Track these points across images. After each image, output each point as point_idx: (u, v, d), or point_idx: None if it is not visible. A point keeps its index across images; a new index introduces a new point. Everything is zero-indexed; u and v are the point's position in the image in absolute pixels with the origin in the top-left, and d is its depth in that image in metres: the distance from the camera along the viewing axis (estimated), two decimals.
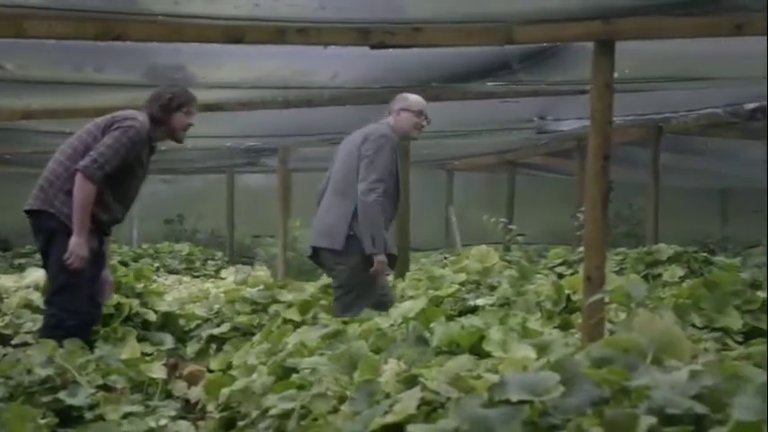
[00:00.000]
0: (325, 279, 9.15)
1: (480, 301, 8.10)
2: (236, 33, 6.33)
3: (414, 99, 8.08)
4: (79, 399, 5.49)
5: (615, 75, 6.09)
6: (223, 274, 14.07)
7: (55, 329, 6.91)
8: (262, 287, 9.18)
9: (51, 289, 7.25)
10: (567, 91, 9.86)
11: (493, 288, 8.72)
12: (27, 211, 7.23)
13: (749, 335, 7.08)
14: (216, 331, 8.38)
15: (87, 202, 6.96)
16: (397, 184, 7.92)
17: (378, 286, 7.72)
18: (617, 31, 5.98)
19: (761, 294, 7.60)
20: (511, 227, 14.78)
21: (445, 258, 14.34)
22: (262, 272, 11.19)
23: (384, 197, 7.67)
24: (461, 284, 8.71)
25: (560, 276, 10.47)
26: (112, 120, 7.21)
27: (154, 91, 7.43)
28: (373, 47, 6.35)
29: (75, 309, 7.07)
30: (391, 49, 6.70)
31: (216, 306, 8.94)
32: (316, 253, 7.97)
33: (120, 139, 7.07)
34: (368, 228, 7.62)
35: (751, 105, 10.98)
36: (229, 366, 6.63)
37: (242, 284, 9.61)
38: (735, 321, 7.27)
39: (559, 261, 12.44)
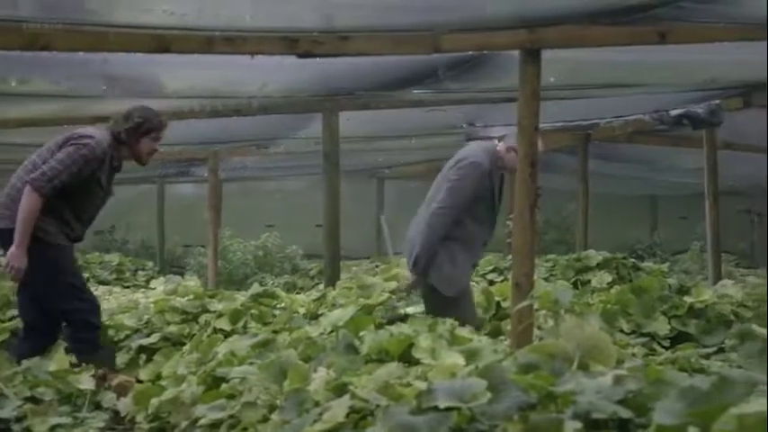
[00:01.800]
0: (256, 288, 9.12)
1: (410, 309, 8.11)
2: (163, 43, 6.30)
3: None
4: (6, 411, 5.43)
5: (552, 80, 6.13)
6: (153, 284, 13.96)
7: (86, 331, 7.07)
8: (192, 297, 9.12)
9: (55, 305, 7.22)
10: (495, 99, 9.92)
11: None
12: None
13: (676, 340, 7.17)
14: (145, 341, 8.30)
15: (32, 213, 6.92)
16: (492, 211, 7.60)
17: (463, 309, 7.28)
18: (542, 40, 6.02)
19: (687, 300, 7.69)
20: None
21: (376, 267, 14.34)
22: (192, 281, 11.10)
23: (463, 224, 7.40)
24: (392, 293, 8.72)
25: (491, 283, 10.54)
26: (69, 136, 7.17)
27: (124, 111, 7.34)
28: (301, 56, 6.35)
29: (89, 302, 7.21)
30: (319, 58, 6.70)
31: (146, 316, 8.86)
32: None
33: (71, 155, 7.01)
34: (421, 247, 7.39)
35: (676, 111, 11.10)
36: (159, 377, 6.60)
37: (172, 294, 9.54)
38: (662, 326, 7.37)
39: (491, 268, 12.53)
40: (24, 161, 7.33)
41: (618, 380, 3.14)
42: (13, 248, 6.94)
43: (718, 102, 10.77)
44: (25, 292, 7.31)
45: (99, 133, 7.20)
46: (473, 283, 9.16)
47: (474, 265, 7.82)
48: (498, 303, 7.80)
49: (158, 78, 8.97)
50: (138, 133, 7.25)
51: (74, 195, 7.12)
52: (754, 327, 6.76)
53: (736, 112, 11.08)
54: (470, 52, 7.61)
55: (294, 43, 6.34)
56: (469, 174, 7.39)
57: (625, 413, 2.90)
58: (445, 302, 7.23)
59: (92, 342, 6.91)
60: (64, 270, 7.20)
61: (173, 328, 8.51)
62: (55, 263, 7.10)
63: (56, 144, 7.18)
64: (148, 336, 8.44)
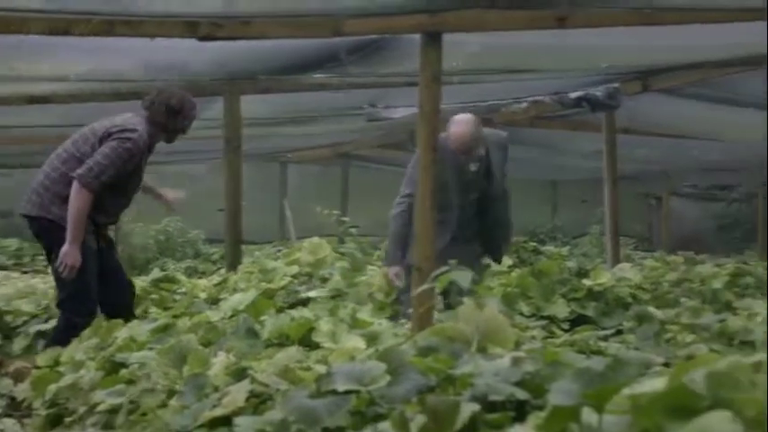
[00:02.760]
0: (156, 273, 9.06)
1: (312, 293, 8.11)
2: (62, 26, 6.22)
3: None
4: None
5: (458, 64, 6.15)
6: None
7: (66, 331, 6.87)
8: None
9: (61, 294, 7.24)
10: (398, 83, 9.94)
11: (325, 280, 8.74)
12: (23, 215, 7.28)
13: (575, 322, 7.25)
14: (44, 327, 8.21)
15: (83, 210, 6.95)
16: (458, 196, 7.70)
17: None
18: (443, 24, 6.03)
19: (586, 283, 7.78)
20: (344, 219, 14.83)
21: (279, 251, 14.31)
22: None
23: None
24: (294, 277, 8.71)
25: None
26: (111, 129, 7.14)
27: (156, 93, 7.35)
28: (201, 39, 6.31)
29: (88, 311, 7.06)
30: (220, 42, 6.66)
31: (44, 302, 8.76)
32: None
33: (116, 149, 7.02)
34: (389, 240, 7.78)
35: (575, 94, 11.19)
36: (57, 362, 6.52)
37: None
38: (561, 309, 7.45)
39: None
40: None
41: (515, 362, 3.17)
42: (66, 246, 6.94)
43: (616, 85, 10.89)
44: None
45: (139, 123, 7.20)
46: (375, 269, 9.20)
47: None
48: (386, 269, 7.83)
49: (58, 61, 8.86)
50: (173, 113, 7.27)
51: (115, 185, 7.15)
52: (651, 309, 6.89)
53: (634, 96, 11.22)
54: (372, 36, 7.61)
55: (195, 27, 6.30)
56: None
57: (522, 395, 2.93)
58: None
59: (64, 341, 6.79)
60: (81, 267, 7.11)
61: None
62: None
63: (94, 135, 7.17)
64: (46, 321, 8.35)
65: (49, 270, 7.70)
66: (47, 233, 7.19)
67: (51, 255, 7.19)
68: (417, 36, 6.17)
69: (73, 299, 7.12)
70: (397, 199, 7.81)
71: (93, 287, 7.16)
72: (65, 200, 7.00)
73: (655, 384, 2.29)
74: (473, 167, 7.68)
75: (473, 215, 7.79)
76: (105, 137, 7.11)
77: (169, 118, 7.26)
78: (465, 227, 7.72)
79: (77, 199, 6.92)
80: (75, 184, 6.94)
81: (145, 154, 7.28)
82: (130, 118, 7.27)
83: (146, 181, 7.63)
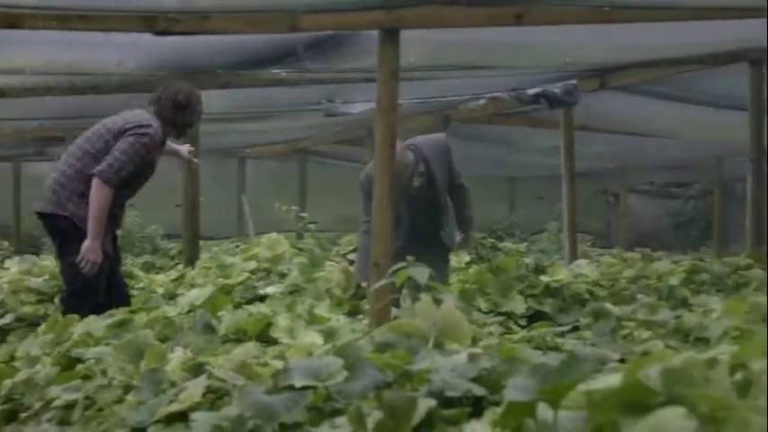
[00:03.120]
0: None
1: (270, 289, 8.10)
2: (15, 19, 6.19)
3: None
4: None
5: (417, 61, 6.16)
6: (8, 264, 13.72)
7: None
8: (47, 277, 8.98)
9: (69, 289, 7.26)
10: (356, 78, 9.94)
11: (283, 276, 8.74)
12: (39, 213, 7.30)
13: (532, 318, 7.27)
14: (0, 322, 8.17)
15: (104, 206, 6.98)
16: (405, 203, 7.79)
17: None
18: (401, 20, 6.04)
19: (543, 279, 7.81)
20: (303, 215, 14.82)
21: (237, 246, 14.28)
22: (48, 261, 10.91)
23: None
24: (252, 272, 8.70)
25: (352, 263, 10.56)
26: (125, 125, 7.15)
27: (163, 89, 7.37)
28: (158, 33, 6.29)
29: (91, 309, 6.84)
30: (178, 36, 6.64)
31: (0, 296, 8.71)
32: None
33: (134, 145, 7.05)
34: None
35: (534, 90, 11.24)
36: (13, 357, 6.47)
37: (26, 274, 9.37)
38: (519, 305, 7.46)
39: (352, 248, 12.53)
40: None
41: (472, 358, 3.18)
42: (88, 242, 6.95)
43: (574, 82, 10.94)
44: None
45: (150, 118, 7.21)
46: (334, 265, 9.21)
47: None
48: (358, 283, 7.83)
49: (10, 54, 8.80)
50: (181, 108, 7.27)
51: (129, 181, 7.18)
52: (608, 305, 6.92)
53: (591, 94, 11.27)
54: (329, 32, 7.62)
55: (152, 21, 6.28)
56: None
57: (479, 390, 2.94)
58: None
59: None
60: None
61: (27, 309, 8.39)
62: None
63: (108, 131, 7.18)
64: (2, 316, 8.30)
65: (56, 264, 7.82)
66: (62, 230, 7.18)
67: (63, 249, 7.20)
68: (375, 32, 6.18)
69: (79, 295, 7.09)
70: (361, 225, 7.85)
71: (101, 287, 7.17)
72: (81, 196, 7.05)
73: (610, 380, 2.31)
74: (416, 183, 7.87)
75: (426, 220, 7.87)
76: (120, 133, 7.13)
77: (177, 113, 7.28)
78: (417, 235, 7.77)
79: (98, 195, 6.97)
80: (95, 181, 6.97)
81: (160, 149, 7.34)
82: (141, 114, 7.29)
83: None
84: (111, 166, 7.00)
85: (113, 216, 7.26)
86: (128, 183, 7.17)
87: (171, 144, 7.84)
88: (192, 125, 7.59)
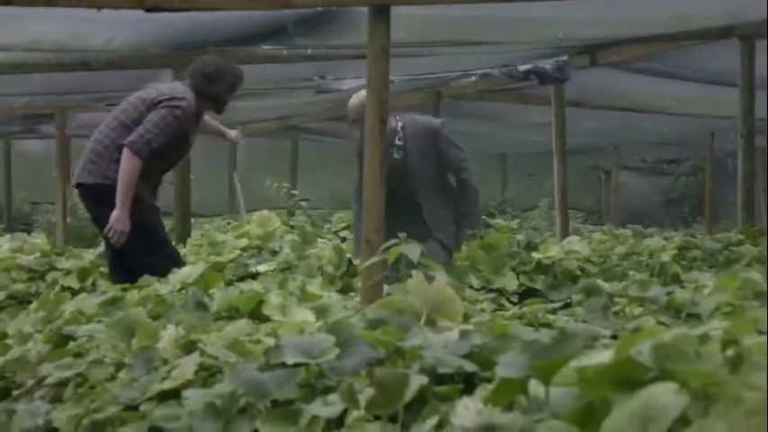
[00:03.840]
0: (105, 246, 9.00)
1: (262, 267, 8.10)
2: None
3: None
4: None
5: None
6: None
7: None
8: (39, 254, 8.98)
9: (137, 259, 7.18)
10: (346, 55, 9.92)
11: (275, 253, 8.74)
12: (79, 185, 7.37)
13: (524, 295, 7.29)
14: None
15: (133, 176, 7.04)
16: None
17: None
18: None
19: (535, 256, 7.81)
20: (294, 192, 14.83)
21: (229, 224, 14.27)
22: (39, 239, 10.92)
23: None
24: (243, 250, 8.71)
25: (343, 240, 10.57)
26: (159, 97, 7.21)
27: (203, 63, 7.44)
28: (149, 10, 6.25)
29: (163, 258, 7.09)
30: (168, 13, 6.61)
31: None
32: None
33: (166, 117, 7.12)
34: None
35: (524, 66, 11.23)
36: (4, 335, 6.47)
37: (18, 252, 9.37)
38: (510, 282, 7.48)
39: (343, 225, 12.56)
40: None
41: (464, 335, 3.18)
42: (116, 212, 7.03)
43: (565, 58, 10.93)
44: (114, 252, 7.37)
45: (185, 91, 7.27)
46: (325, 242, 9.20)
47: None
48: (350, 260, 7.83)
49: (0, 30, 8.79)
50: (212, 85, 7.34)
51: (163, 153, 7.23)
52: (600, 282, 6.93)
53: (583, 70, 11.27)
54: (320, 8, 7.59)
55: None
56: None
57: (470, 367, 2.94)
58: None
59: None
60: (149, 224, 7.31)
61: (19, 286, 8.40)
62: (139, 218, 7.19)
63: (142, 102, 7.25)
64: None
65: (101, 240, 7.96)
66: (103, 198, 7.19)
67: (105, 218, 7.20)
68: (365, 8, 6.16)
69: (152, 253, 7.18)
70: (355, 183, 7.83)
71: (162, 235, 7.50)
72: (119, 163, 7.10)
73: (601, 357, 2.31)
74: (396, 155, 7.76)
75: (399, 201, 7.72)
76: (154, 104, 7.19)
77: (206, 85, 7.33)
78: (402, 212, 7.66)
79: (128, 165, 7.03)
80: (125, 151, 7.05)
81: (193, 123, 7.37)
82: (176, 86, 7.39)
83: (210, 124, 7.92)
84: (141, 137, 7.06)
85: (152, 187, 7.37)
86: (161, 155, 7.21)
87: (218, 125, 7.88)
88: (227, 99, 7.55)
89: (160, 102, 7.18)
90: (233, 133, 8.24)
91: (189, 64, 8.67)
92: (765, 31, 9.07)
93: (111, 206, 7.12)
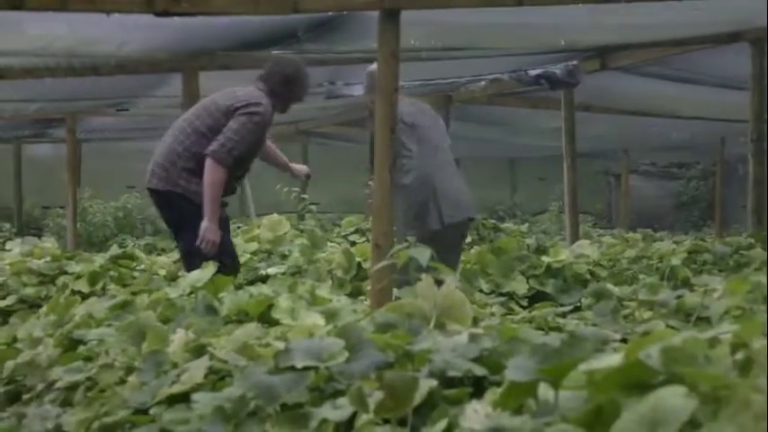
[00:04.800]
0: (115, 250, 9.03)
1: (271, 270, 8.11)
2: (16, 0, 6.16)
3: None
4: None
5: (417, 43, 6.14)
6: (9, 246, 13.75)
7: None
8: (49, 259, 8.99)
9: (187, 266, 7.14)
10: (356, 60, 9.93)
11: (284, 257, 8.74)
12: (151, 190, 7.27)
13: (533, 299, 7.29)
14: (1, 304, 8.17)
15: (219, 186, 6.98)
16: None
17: None
18: (401, 1, 6.02)
19: (545, 259, 7.81)
20: (304, 196, 14.82)
21: (238, 228, 14.28)
22: (49, 243, 10.93)
23: None
24: (253, 254, 8.72)
25: (353, 244, 10.57)
26: (236, 104, 7.11)
27: (273, 63, 7.40)
28: (158, 14, 6.27)
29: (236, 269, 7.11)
30: (178, 18, 6.62)
31: (1, 278, 8.71)
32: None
33: (246, 125, 7.04)
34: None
35: (534, 71, 11.23)
36: (15, 339, 6.49)
37: (29, 256, 9.39)
38: (520, 286, 7.48)
39: (352, 229, 12.55)
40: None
41: (473, 338, 3.18)
42: (205, 223, 6.95)
43: (575, 62, 10.93)
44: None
45: (260, 96, 7.19)
46: (335, 246, 9.20)
47: None
48: (359, 264, 7.83)
49: (11, 35, 8.80)
50: (292, 84, 7.31)
51: (241, 160, 7.19)
52: (609, 286, 6.93)
53: (593, 74, 11.26)
54: (330, 13, 7.60)
55: (151, 2, 6.24)
56: None
57: (480, 370, 2.94)
58: None
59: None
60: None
61: (29, 291, 8.39)
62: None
63: (218, 110, 7.14)
64: (4, 298, 8.31)
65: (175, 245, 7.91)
66: (175, 207, 7.19)
67: (180, 226, 7.23)
68: (376, 13, 6.16)
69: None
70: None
71: (234, 251, 7.37)
72: (192, 173, 7.04)
73: (611, 360, 2.31)
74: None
75: None
76: (231, 111, 7.09)
77: (286, 87, 7.27)
78: None
79: (213, 176, 6.96)
80: (208, 161, 6.96)
81: (269, 126, 7.33)
82: (252, 91, 7.25)
83: (276, 155, 7.96)
84: (223, 146, 6.98)
85: (231, 189, 7.33)
86: (240, 161, 7.17)
87: (284, 158, 8.02)
88: (301, 100, 7.54)
89: (237, 108, 7.09)
90: (300, 167, 8.21)
91: (199, 69, 8.71)
92: None
93: (182, 212, 7.10)
